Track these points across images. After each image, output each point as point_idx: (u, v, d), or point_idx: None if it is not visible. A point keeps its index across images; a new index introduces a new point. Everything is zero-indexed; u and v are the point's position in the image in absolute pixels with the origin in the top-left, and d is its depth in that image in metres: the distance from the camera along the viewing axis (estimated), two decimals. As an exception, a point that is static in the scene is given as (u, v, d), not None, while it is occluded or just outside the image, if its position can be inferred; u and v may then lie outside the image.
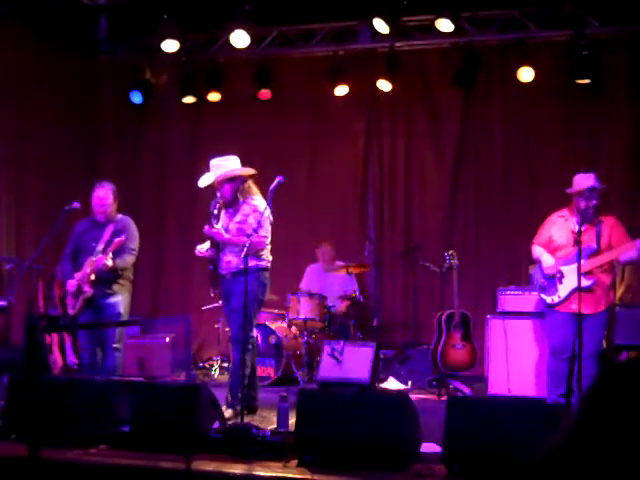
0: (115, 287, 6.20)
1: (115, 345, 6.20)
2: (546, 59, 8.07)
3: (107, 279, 6.13)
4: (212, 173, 5.94)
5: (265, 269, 5.89)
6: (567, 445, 1.51)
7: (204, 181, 5.97)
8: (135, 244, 6.29)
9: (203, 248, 5.97)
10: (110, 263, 6.02)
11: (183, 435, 4.41)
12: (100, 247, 6.12)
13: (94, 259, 6.07)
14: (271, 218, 5.84)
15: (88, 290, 6.07)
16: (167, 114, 9.45)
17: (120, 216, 6.37)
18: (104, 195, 6.28)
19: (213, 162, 5.96)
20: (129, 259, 6.24)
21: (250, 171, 5.96)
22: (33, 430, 3.23)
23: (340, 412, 4.40)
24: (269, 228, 5.88)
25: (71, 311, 6.13)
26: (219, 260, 5.90)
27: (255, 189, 5.93)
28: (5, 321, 7.17)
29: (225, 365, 7.93)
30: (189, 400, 4.58)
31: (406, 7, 7.68)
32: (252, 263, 5.68)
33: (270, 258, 5.94)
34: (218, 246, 5.90)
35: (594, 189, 5.76)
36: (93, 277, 6.06)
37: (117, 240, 6.07)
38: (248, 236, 5.52)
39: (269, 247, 5.95)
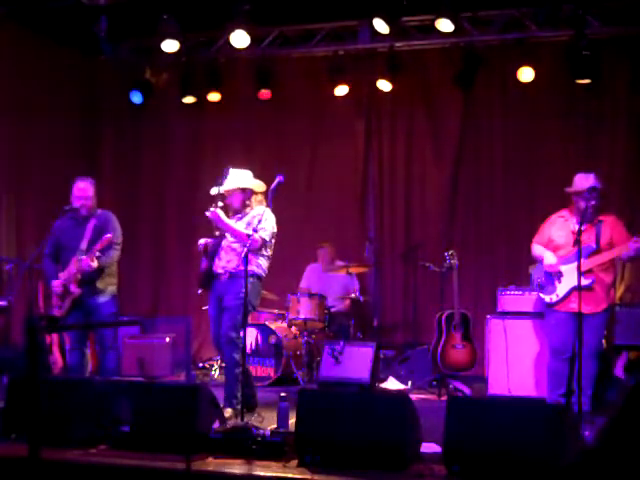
0: (100, 284, 6.13)
1: (111, 344, 6.19)
2: (546, 59, 8.06)
3: (92, 277, 6.07)
4: (225, 182, 5.92)
5: (260, 277, 5.87)
6: (604, 446, 1.50)
7: (216, 189, 5.96)
8: (119, 239, 6.23)
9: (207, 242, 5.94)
10: (95, 264, 5.97)
11: (183, 435, 4.42)
12: (84, 245, 6.07)
13: (80, 258, 6.02)
14: (275, 230, 5.86)
15: (75, 290, 6.01)
16: (167, 114, 9.45)
17: (100, 211, 6.30)
18: (85, 187, 6.21)
19: (229, 171, 5.93)
20: (114, 255, 6.18)
21: (262, 186, 5.98)
22: (33, 430, 3.23)
23: (340, 412, 4.39)
24: (272, 240, 5.89)
25: (57, 312, 6.05)
26: (217, 258, 5.87)
27: (265, 203, 5.92)
28: (5, 321, 7.17)
29: (225, 365, 7.92)
30: (189, 400, 4.58)
31: (406, 7, 7.67)
32: (251, 267, 5.67)
33: (266, 270, 5.92)
34: (220, 242, 5.88)
35: (594, 189, 5.77)
36: (79, 276, 6.01)
37: (105, 238, 5.99)
38: (248, 236, 5.55)
39: (268, 260, 5.93)
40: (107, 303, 6.16)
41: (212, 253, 5.91)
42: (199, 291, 6.09)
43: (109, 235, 6.03)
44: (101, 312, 6.12)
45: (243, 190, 5.92)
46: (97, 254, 5.98)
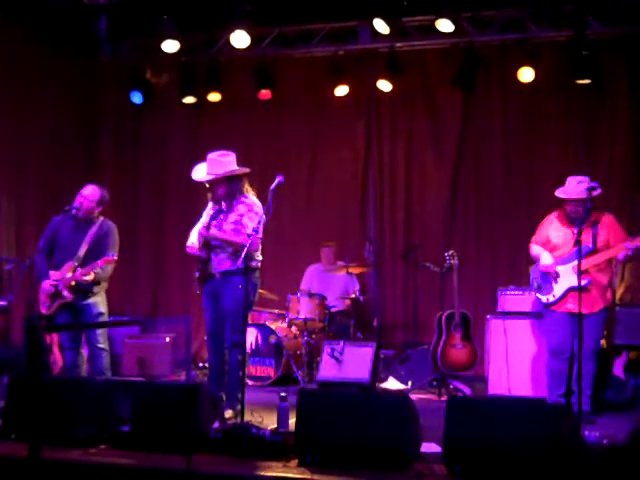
0: (93, 289, 6.14)
1: (100, 345, 6.16)
2: (546, 59, 8.06)
3: (86, 286, 6.08)
4: (208, 169, 5.78)
5: (255, 269, 5.76)
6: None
7: (198, 174, 5.84)
8: (117, 252, 6.19)
9: (195, 244, 5.79)
10: (91, 278, 5.97)
11: (183, 435, 4.42)
12: (82, 252, 6.05)
13: (76, 264, 6.02)
14: (264, 218, 5.74)
15: (68, 296, 6.00)
16: (167, 114, 9.45)
17: (102, 219, 6.26)
18: (92, 190, 6.19)
19: (210, 157, 5.80)
20: (111, 268, 6.16)
21: (246, 170, 5.90)
22: (33, 430, 3.23)
23: (340, 412, 4.39)
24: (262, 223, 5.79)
25: (45, 310, 6.03)
26: (209, 260, 5.78)
27: (249, 188, 5.82)
28: (5, 321, 7.17)
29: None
30: (189, 400, 4.58)
31: (406, 7, 7.67)
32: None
33: (260, 258, 5.81)
34: (209, 246, 5.78)
35: (578, 200, 5.75)
36: (74, 283, 6.00)
37: (110, 259, 5.96)
38: (248, 236, 5.46)
39: (260, 243, 5.82)
40: (95, 303, 6.15)
41: (206, 260, 5.78)
42: (197, 290, 6.01)
43: (115, 257, 6.00)
44: (89, 312, 6.11)
45: (229, 179, 5.73)
46: (97, 270, 5.96)
